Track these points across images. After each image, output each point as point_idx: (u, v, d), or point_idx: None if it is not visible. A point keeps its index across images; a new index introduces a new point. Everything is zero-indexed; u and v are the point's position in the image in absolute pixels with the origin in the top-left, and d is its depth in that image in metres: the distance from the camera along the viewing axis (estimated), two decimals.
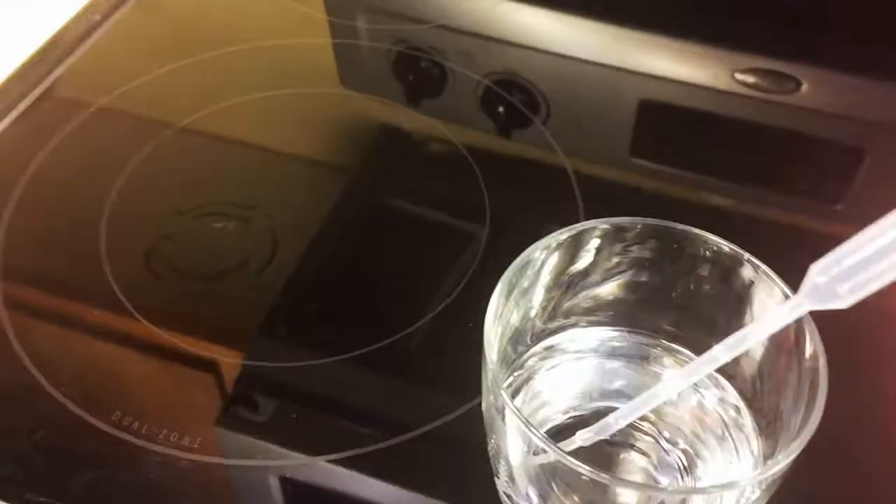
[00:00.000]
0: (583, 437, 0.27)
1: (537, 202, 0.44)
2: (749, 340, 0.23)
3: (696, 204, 0.45)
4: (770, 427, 0.26)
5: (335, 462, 0.33)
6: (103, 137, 0.47)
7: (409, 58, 0.53)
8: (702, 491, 0.27)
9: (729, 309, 0.28)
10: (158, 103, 0.49)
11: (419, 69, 0.53)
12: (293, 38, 0.54)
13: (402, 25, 0.55)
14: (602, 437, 0.26)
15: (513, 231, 0.42)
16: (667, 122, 0.50)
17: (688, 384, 0.25)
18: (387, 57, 0.53)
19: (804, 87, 0.49)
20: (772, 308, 0.23)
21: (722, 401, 0.28)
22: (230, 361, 0.37)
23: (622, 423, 0.26)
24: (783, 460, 0.22)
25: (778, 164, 0.47)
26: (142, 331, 0.37)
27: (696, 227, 0.27)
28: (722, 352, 0.23)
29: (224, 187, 0.45)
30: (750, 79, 0.49)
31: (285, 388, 0.36)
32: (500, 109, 0.50)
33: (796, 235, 0.43)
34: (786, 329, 0.26)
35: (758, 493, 0.24)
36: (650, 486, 0.28)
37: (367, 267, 0.41)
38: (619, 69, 0.52)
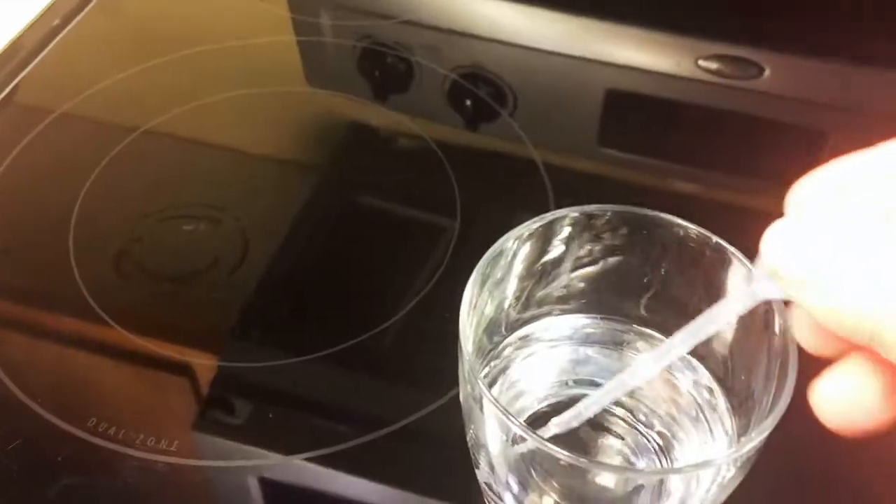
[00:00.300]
0: (557, 425, 0.27)
1: (507, 194, 0.44)
2: (709, 328, 0.23)
3: (665, 191, 0.46)
4: (743, 406, 0.27)
5: (313, 460, 0.33)
6: (68, 143, 0.47)
7: (375, 54, 0.53)
8: (678, 471, 0.27)
9: (700, 292, 0.28)
10: (123, 107, 0.49)
11: (385, 65, 0.52)
12: (257, 38, 0.54)
13: (367, 21, 0.55)
14: (575, 425, 0.27)
15: (484, 224, 0.42)
16: (633, 111, 0.51)
17: (655, 371, 0.25)
18: (352, 53, 0.53)
19: (766, 72, 0.50)
20: (733, 293, 0.23)
21: (695, 382, 0.29)
22: (204, 363, 0.37)
23: (594, 410, 0.26)
24: (756, 437, 0.23)
25: (743, 149, 0.47)
26: (114, 336, 0.37)
27: (665, 213, 0.28)
28: (683, 340, 0.24)
29: (192, 189, 0.45)
30: (713, 65, 0.50)
31: (261, 389, 0.36)
32: (468, 103, 0.50)
33: (762, 219, 0.43)
34: (755, 308, 0.26)
35: (733, 471, 0.24)
36: (627, 468, 0.29)
37: (338, 265, 0.41)
38: (584, 59, 0.53)
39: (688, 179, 0.46)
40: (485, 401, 0.24)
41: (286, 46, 0.54)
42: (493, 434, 0.26)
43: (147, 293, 0.40)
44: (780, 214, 0.21)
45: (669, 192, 0.46)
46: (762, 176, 0.46)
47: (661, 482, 0.27)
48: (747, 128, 0.49)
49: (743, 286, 0.22)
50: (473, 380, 0.24)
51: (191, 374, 0.36)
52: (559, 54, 0.53)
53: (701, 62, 0.50)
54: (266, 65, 0.53)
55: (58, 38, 0.52)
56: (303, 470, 0.33)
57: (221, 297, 0.39)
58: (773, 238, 0.20)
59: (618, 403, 0.30)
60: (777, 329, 0.25)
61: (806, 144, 0.48)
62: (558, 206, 0.28)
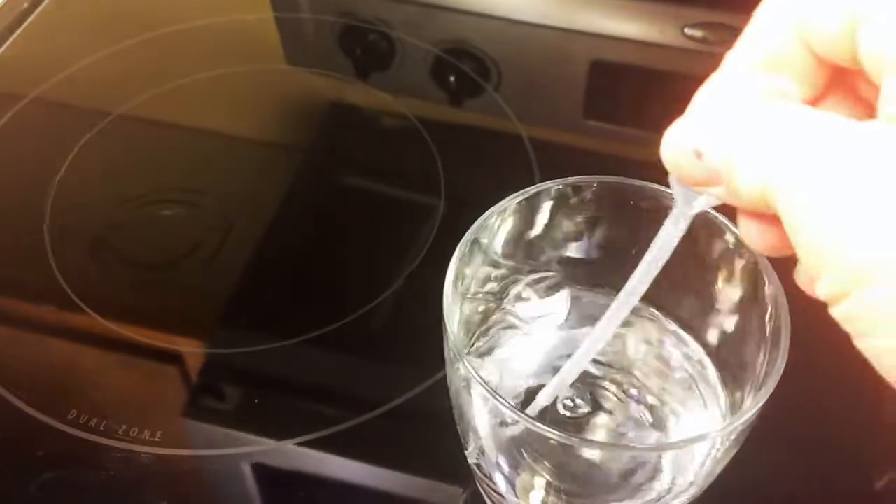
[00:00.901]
0: (543, 397, 0.26)
1: (493, 170, 0.43)
2: (657, 262, 0.23)
3: (652, 162, 0.45)
4: (736, 379, 0.26)
5: (303, 444, 0.32)
6: (40, 129, 0.46)
7: (356, 30, 0.52)
8: (672, 446, 0.27)
9: (690, 260, 0.27)
10: (96, 90, 0.47)
11: (367, 42, 0.51)
12: (233, 15, 0.53)
13: None
14: (560, 394, 0.26)
15: (469, 201, 0.41)
16: (619, 82, 0.50)
17: (619, 321, 0.24)
18: (332, 30, 0.52)
19: None
20: (666, 221, 0.22)
21: (686, 356, 0.28)
22: (186, 351, 0.36)
23: (574, 374, 0.26)
24: (750, 410, 0.22)
25: None
26: (92, 325, 0.36)
27: (650, 182, 0.27)
28: (639, 281, 0.23)
29: (170, 173, 0.44)
30: (698, 33, 0.49)
31: (247, 374, 0.35)
32: (452, 79, 0.49)
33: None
34: (744, 277, 0.26)
35: (727, 444, 0.24)
36: (618, 445, 0.28)
37: (322, 246, 0.41)
38: (568, 31, 0.52)
39: None
40: (472, 381, 0.23)
41: (264, 24, 0.53)
42: (482, 415, 0.25)
43: (125, 281, 0.39)
44: None
45: (657, 163, 0.45)
46: None
47: (657, 459, 0.27)
48: None
49: (675, 209, 0.22)
50: (459, 360, 0.23)
51: (173, 362, 0.35)
52: (543, 26, 0.52)
53: (686, 30, 0.49)
54: (244, 43, 0.51)
55: (27, 22, 0.51)
56: (293, 454, 0.32)
57: (202, 283, 0.39)
58: (666, 141, 0.20)
59: (609, 379, 0.29)
60: (768, 297, 0.24)
61: None
62: (544, 180, 0.27)
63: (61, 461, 0.32)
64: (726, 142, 0.18)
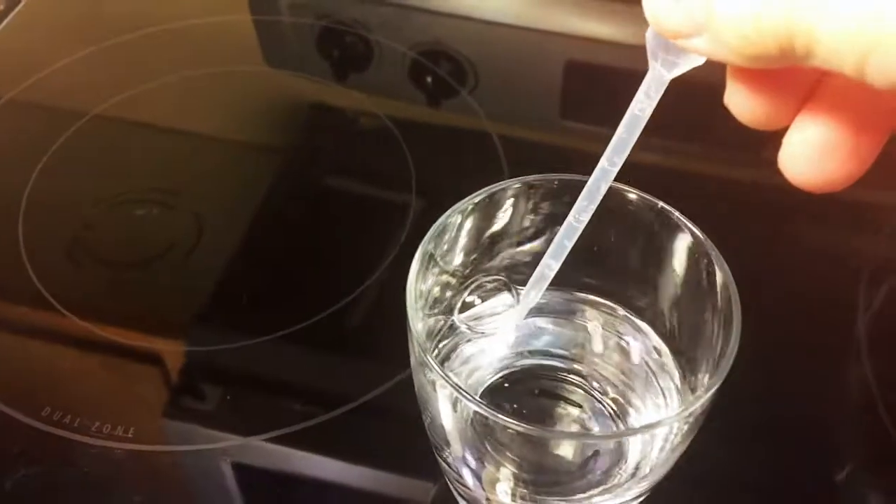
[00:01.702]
0: (525, 302, 0.26)
1: (466, 172, 0.44)
2: (635, 130, 0.22)
3: (627, 161, 0.45)
4: (690, 365, 0.27)
5: (275, 440, 0.33)
6: (15, 130, 0.46)
7: (334, 32, 0.52)
8: (629, 433, 0.27)
9: (648, 258, 0.28)
10: (72, 92, 0.48)
11: (344, 44, 0.52)
12: (210, 17, 0.53)
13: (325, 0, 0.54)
14: (537, 299, 0.26)
15: (440, 202, 0.42)
16: (593, 83, 0.51)
17: (592, 206, 0.23)
18: (311, 32, 0.53)
19: None
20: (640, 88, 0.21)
21: (644, 345, 0.29)
22: (161, 349, 0.36)
23: (554, 268, 0.25)
24: (704, 395, 0.23)
25: (703, 116, 0.47)
26: (66, 324, 0.36)
27: (630, 185, 0.27)
28: (608, 159, 0.22)
29: (145, 174, 0.44)
30: None
31: (220, 371, 0.35)
32: (428, 80, 0.50)
33: (725, 185, 0.43)
34: (697, 268, 0.26)
35: (684, 429, 0.24)
36: (577, 434, 0.29)
37: (295, 245, 0.41)
38: (543, 32, 0.52)
39: (651, 150, 0.46)
40: (436, 377, 0.24)
41: (242, 26, 0.53)
42: (446, 410, 0.26)
43: (100, 280, 0.39)
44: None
45: (632, 162, 0.45)
46: (723, 143, 0.46)
47: (618, 446, 0.27)
48: (706, 94, 0.48)
49: (649, 74, 0.20)
50: (423, 356, 0.24)
51: (146, 360, 0.36)
52: (518, 27, 0.53)
53: None
54: (221, 45, 0.52)
55: (3, 24, 0.51)
56: (265, 450, 0.33)
57: (177, 282, 0.39)
58: None
59: (572, 372, 0.30)
60: (719, 286, 0.25)
61: None
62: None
63: (36, 458, 0.32)
64: None
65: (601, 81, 0.50)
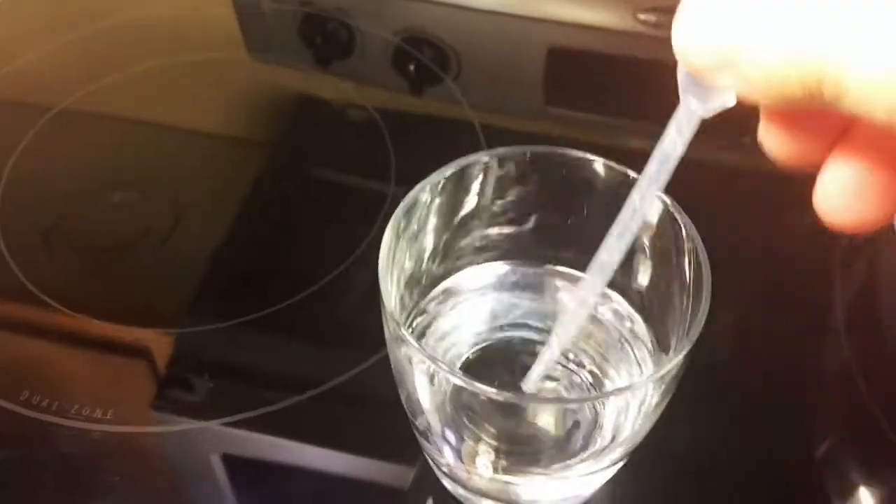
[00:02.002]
0: (532, 381, 0.26)
1: (447, 160, 0.44)
2: (662, 175, 0.21)
3: (612, 147, 0.45)
4: (663, 333, 0.27)
5: (241, 424, 0.32)
6: None
7: (316, 20, 0.52)
8: (601, 396, 0.27)
9: (611, 219, 0.27)
10: (45, 84, 0.47)
11: (326, 31, 0.52)
12: (191, 5, 0.53)
13: None
14: (549, 370, 0.26)
15: None
16: (576, 68, 0.51)
17: (627, 243, 0.22)
18: (293, 20, 0.53)
19: None
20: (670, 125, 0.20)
21: (616, 313, 0.29)
22: (139, 335, 0.36)
23: (565, 343, 0.25)
24: (675, 358, 0.23)
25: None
26: (44, 310, 0.36)
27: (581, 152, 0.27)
28: (640, 200, 0.21)
29: (121, 167, 0.44)
30: (652, 18, 0.49)
31: (190, 355, 0.35)
32: (412, 68, 0.50)
33: (712, 170, 0.43)
34: (667, 236, 0.26)
35: (656, 396, 0.24)
36: (551, 399, 0.29)
37: (270, 233, 0.41)
38: (526, 18, 0.52)
39: (636, 135, 0.46)
40: (412, 351, 0.24)
41: (223, 14, 0.53)
42: (424, 387, 0.26)
43: (77, 268, 0.39)
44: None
45: (617, 148, 0.45)
46: (708, 128, 0.46)
47: (595, 416, 0.27)
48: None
49: (680, 110, 0.19)
50: (398, 331, 0.24)
51: (124, 344, 0.36)
52: (501, 14, 0.53)
53: (640, 15, 0.50)
54: (202, 34, 0.51)
55: None
56: (242, 433, 0.32)
57: (154, 268, 0.39)
58: (682, 27, 0.16)
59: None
60: (688, 252, 0.25)
61: None
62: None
63: (14, 441, 0.32)
64: (744, 13, 0.15)
65: (585, 67, 0.50)
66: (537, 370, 0.26)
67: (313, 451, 0.32)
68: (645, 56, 0.49)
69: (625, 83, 0.49)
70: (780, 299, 0.37)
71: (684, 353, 0.23)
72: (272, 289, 0.37)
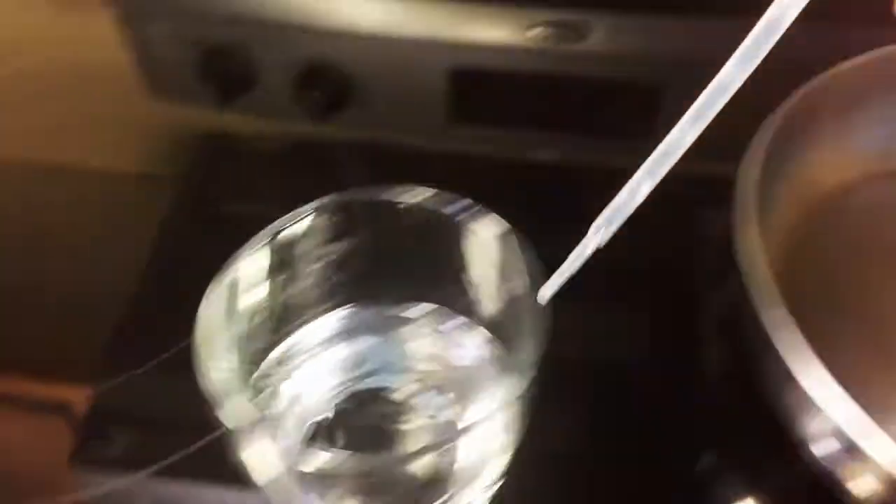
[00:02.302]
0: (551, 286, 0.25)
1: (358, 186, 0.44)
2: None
3: (520, 162, 0.46)
4: (516, 348, 0.27)
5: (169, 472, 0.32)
6: None
7: (215, 55, 0.52)
8: (449, 440, 0.27)
9: (454, 253, 0.28)
10: None
11: (227, 66, 0.52)
12: (84, 50, 0.53)
13: (203, 25, 0.54)
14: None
15: None
16: (477, 86, 0.51)
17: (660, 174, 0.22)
18: (192, 57, 0.52)
19: (595, 33, 0.50)
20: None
21: (473, 340, 0.29)
22: (53, 392, 0.35)
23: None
24: (519, 377, 0.23)
25: (584, 111, 0.48)
26: None
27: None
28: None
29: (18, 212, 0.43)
30: (542, 32, 0.50)
31: (112, 410, 0.35)
32: (315, 96, 0.50)
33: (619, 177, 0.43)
34: (502, 254, 0.26)
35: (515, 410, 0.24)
36: (398, 457, 0.28)
37: (166, 271, 0.40)
38: (424, 40, 0.53)
39: (542, 147, 0.47)
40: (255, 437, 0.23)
41: (121, 56, 0.53)
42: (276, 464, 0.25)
43: None
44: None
45: (525, 163, 0.46)
46: (608, 135, 0.46)
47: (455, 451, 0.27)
48: (584, 90, 0.49)
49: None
50: (237, 422, 0.23)
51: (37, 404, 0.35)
52: (398, 38, 0.53)
53: (529, 32, 0.50)
54: (102, 76, 0.51)
55: None
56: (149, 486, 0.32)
57: (56, 318, 0.38)
58: None
59: (409, 383, 0.30)
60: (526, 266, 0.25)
61: (644, 100, 0.49)
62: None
63: None
64: None
65: (484, 85, 0.51)
66: (555, 280, 0.25)
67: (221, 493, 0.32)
68: (539, 70, 0.50)
69: (525, 96, 0.49)
70: (652, 298, 0.38)
71: (527, 370, 0.23)
72: (168, 332, 0.37)
